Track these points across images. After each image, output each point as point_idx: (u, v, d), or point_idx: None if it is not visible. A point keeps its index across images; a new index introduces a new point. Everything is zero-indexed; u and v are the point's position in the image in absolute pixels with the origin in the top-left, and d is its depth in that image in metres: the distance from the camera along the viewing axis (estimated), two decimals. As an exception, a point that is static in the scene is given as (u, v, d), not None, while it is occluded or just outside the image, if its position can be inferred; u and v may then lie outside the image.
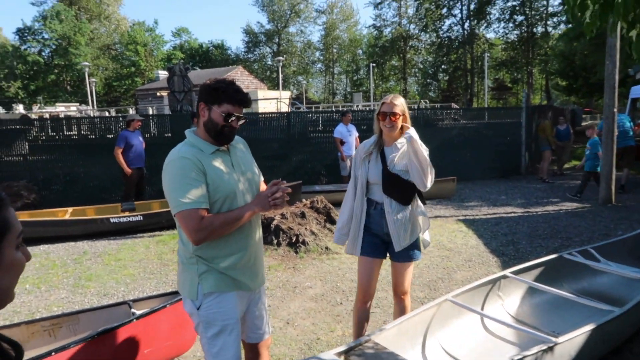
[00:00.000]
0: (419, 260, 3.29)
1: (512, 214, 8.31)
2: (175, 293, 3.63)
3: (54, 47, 51.00)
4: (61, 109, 30.49)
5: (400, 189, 2.93)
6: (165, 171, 2.08)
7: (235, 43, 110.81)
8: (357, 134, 9.82)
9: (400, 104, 2.92)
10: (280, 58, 31.45)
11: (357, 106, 28.27)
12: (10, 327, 3.39)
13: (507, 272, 4.10)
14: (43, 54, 52.02)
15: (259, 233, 2.35)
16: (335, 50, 58.84)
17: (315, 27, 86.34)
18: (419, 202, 3.06)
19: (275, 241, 6.14)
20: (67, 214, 8.02)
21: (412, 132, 2.84)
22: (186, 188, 2.00)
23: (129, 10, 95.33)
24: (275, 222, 6.28)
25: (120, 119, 11.63)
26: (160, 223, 7.64)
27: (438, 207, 9.11)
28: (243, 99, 2.14)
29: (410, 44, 51.75)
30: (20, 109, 32.12)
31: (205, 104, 2.14)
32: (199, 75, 36.04)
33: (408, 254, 3.04)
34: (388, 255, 3.12)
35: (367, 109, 24.62)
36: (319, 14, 57.97)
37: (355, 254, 3.09)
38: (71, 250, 6.85)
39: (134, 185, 8.38)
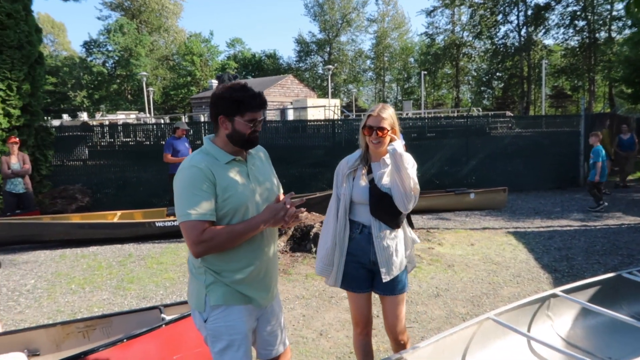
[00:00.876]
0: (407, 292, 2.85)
1: (568, 228, 7.81)
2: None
3: (116, 58, 53.57)
4: (122, 116, 31.89)
5: (391, 209, 2.58)
6: (176, 179, 2.02)
7: (287, 52, 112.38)
8: (404, 142, 9.61)
9: (388, 116, 2.59)
10: (330, 66, 31.55)
11: (407, 114, 27.90)
12: (46, 327, 3.45)
13: (558, 290, 3.79)
14: (107, 65, 54.78)
15: (273, 246, 2.23)
16: (386, 59, 58.44)
17: (367, 35, 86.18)
18: (407, 224, 2.75)
19: (314, 249, 6.03)
20: (116, 217, 8.27)
21: (398, 144, 2.57)
22: (193, 199, 1.93)
23: (187, 22, 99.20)
24: (314, 230, 6.18)
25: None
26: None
27: (487, 219, 8.72)
28: (262, 102, 2.08)
29: (463, 51, 50.59)
30: (84, 116, 33.89)
31: (226, 117, 2.05)
32: (250, 84, 36.68)
33: (397, 285, 2.67)
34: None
35: (417, 116, 24.18)
36: (370, 23, 57.84)
37: (336, 286, 2.72)
38: (117, 252, 7.03)
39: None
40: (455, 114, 29.69)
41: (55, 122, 20.85)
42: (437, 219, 8.72)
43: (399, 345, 2.82)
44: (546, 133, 13.03)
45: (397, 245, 2.63)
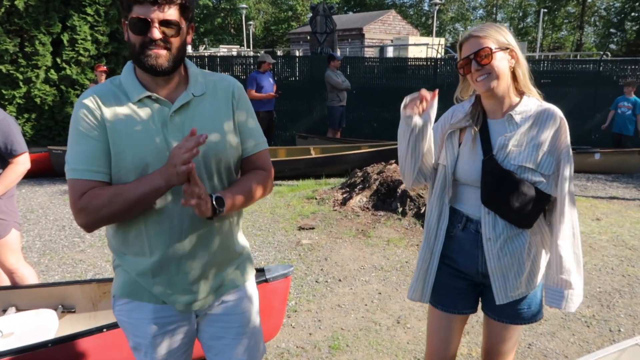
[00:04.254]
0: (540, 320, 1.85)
1: None
2: (261, 271, 2.94)
3: (221, -10, 53.94)
4: (224, 50, 32.16)
5: (517, 198, 1.60)
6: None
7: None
8: None
9: (490, 33, 1.58)
10: (437, 1, 28.99)
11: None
12: (82, 283, 3.05)
13: None
14: (212, -2, 55.43)
15: (209, 232, 1.45)
16: (500, -6, 53.09)
17: (481, -32, 78.62)
18: (544, 222, 1.74)
19: (400, 209, 5.20)
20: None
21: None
22: (75, 148, 1.34)
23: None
24: (402, 187, 5.32)
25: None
26: (282, 172, 7.15)
27: (615, 186, 7.25)
28: None
29: (594, -14, 44.35)
30: (188, 49, 34.61)
31: (125, 23, 1.35)
32: (350, 19, 35.12)
33: (518, 310, 1.75)
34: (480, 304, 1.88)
35: (530, 59, 21.51)
36: (486, -47, 52.33)
37: (422, 300, 1.82)
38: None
39: (263, 129, 7.95)
40: (578, 58, 26.17)
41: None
42: (551, 181, 7.41)
43: None
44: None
45: (522, 254, 1.67)
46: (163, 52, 1.31)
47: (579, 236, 1.68)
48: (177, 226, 1.39)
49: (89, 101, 1.34)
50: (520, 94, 1.68)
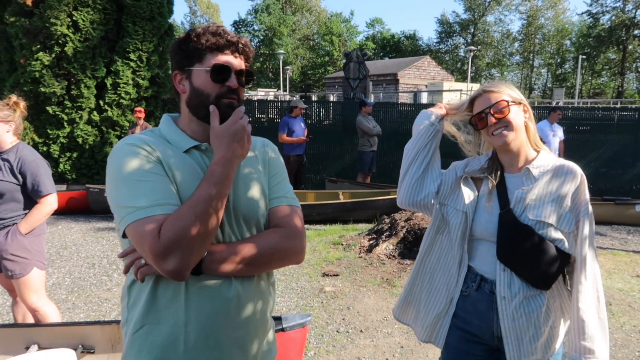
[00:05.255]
0: None
1: None
2: (278, 319, 2.91)
3: (261, 37, 56.14)
4: (261, 93, 33.20)
5: (534, 254, 1.55)
6: (107, 169, 1.26)
7: (428, 33, 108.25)
8: (562, 137, 7.85)
9: (502, 89, 1.63)
10: (472, 48, 29.28)
11: (557, 102, 24.76)
12: (102, 323, 3.04)
13: None
14: (252, 43, 57.71)
15: (252, 299, 1.29)
16: (537, 41, 53.09)
17: (516, 15, 79.31)
18: (564, 286, 1.68)
19: (427, 258, 5.09)
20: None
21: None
22: (135, 187, 1.16)
23: (329, 2, 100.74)
24: (430, 235, 5.22)
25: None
26: (310, 216, 7.15)
27: (658, 239, 6.90)
28: (232, 40, 1.26)
29: (634, 33, 43.81)
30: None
31: (180, 72, 1.29)
32: (385, 65, 35.75)
33: None
34: None
35: (569, 105, 21.19)
36: (522, 1, 52.75)
37: (437, 344, 1.77)
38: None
39: (293, 173, 8.07)
40: (618, 106, 25.63)
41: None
42: (588, 233, 7.12)
43: None
44: None
45: (539, 317, 1.59)
46: (235, 102, 1.29)
47: (603, 299, 1.60)
48: (221, 294, 1.24)
49: (142, 143, 1.23)
50: (536, 150, 1.68)
